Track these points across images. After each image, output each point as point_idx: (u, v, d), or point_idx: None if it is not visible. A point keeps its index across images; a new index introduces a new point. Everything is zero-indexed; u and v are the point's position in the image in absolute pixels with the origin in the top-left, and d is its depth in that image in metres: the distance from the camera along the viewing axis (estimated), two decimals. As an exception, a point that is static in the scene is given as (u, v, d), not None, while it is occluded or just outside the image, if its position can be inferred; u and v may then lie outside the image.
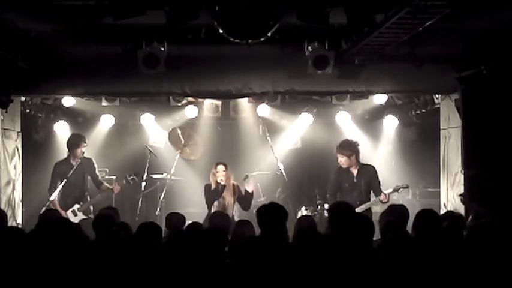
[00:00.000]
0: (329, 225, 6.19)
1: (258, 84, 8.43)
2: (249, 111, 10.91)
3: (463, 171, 8.34)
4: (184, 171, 10.88)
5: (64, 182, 8.69)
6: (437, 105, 9.26)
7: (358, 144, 8.49)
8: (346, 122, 10.84)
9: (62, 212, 8.33)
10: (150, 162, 10.06)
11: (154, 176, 10.38)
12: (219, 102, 10.79)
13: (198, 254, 4.70)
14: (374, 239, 4.92)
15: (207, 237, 4.88)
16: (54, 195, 8.67)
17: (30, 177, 9.84)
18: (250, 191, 8.23)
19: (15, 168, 9.05)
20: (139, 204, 9.68)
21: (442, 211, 8.52)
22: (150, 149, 10.33)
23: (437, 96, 9.20)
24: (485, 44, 7.30)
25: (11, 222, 8.19)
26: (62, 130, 10.56)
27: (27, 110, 9.60)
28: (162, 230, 5.45)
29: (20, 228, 6.71)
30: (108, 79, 8.33)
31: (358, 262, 4.41)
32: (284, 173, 10.03)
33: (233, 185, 8.24)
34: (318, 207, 9.28)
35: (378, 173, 8.56)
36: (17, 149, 9.10)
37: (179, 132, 10.73)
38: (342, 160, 8.37)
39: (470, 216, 6.40)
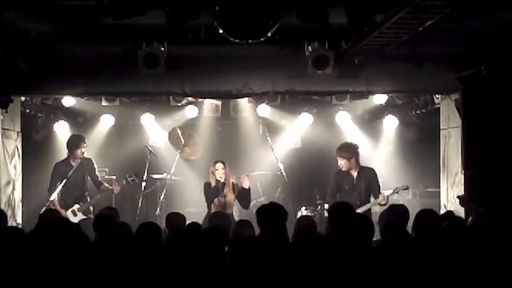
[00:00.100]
0: (329, 225, 6.19)
1: (258, 84, 8.43)
2: (249, 111, 10.92)
3: (463, 171, 8.33)
4: (184, 171, 10.89)
5: (64, 182, 8.69)
6: (437, 105, 9.26)
7: (357, 147, 8.43)
8: (346, 122, 10.84)
9: (62, 212, 8.33)
10: (150, 162, 10.07)
11: (154, 176, 10.39)
12: (219, 102, 10.80)
13: (197, 254, 4.70)
14: (374, 239, 4.92)
15: (207, 238, 4.88)
16: (54, 195, 8.67)
17: (30, 177, 9.84)
18: (246, 187, 8.20)
19: (15, 168, 9.04)
20: (139, 204, 9.69)
21: (442, 211, 8.53)
22: (150, 149, 10.33)
23: (437, 96, 9.20)
24: (485, 44, 7.30)
25: (11, 222, 8.19)
26: (62, 130, 10.57)
27: (27, 110, 9.60)
28: (162, 230, 5.45)
29: (20, 228, 6.71)
30: (108, 79, 8.32)
31: (358, 262, 4.41)
32: (284, 173, 10.04)
33: (232, 183, 8.24)
34: (318, 207, 9.27)
35: (378, 174, 8.55)
36: (17, 149, 9.10)
37: (179, 132, 10.74)
38: (342, 163, 8.33)
39: (470, 217, 6.39)
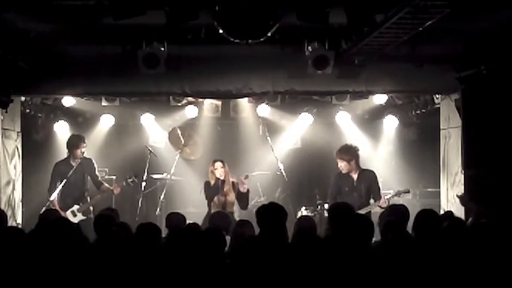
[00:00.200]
0: (329, 225, 6.19)
1: (258, 84, 8.43)
2: (249, 111, 10.91)
3: (463, 171, 8.33)
4: (184, 171, 10.89)
5: (64, 182, 8.68)
6: (437, 105, 9.26)
7: (358, 149, 8.37)
8: (346, 122, 10.84)
9: (62, 213, 8.31)
10: (150, 162, 10.07)
11: (154, 176, 10.39)
12: (219, 102, 10.79)
13: (197, 254, 4.70)
14: (374, 239, 4.92)
15: (207, 238, 4.88)
16: (54, 196, 8.66)
17: (30, 177, 9.84)
18: (243, 191, 8.18)
19: (15, 168, 9.04)
20: (139, 204, 9.69)
21: (442, 211, 8.53)
22: (150, 149, 10.33)
23: (437, 96, 9.20)
24: (485, 44, 7.30)
25: (11, 222, 8.19)
26: (62, 130, 10.57)
27: (27, 110, 9.60)
28: (162, 230, 5.45)
29: (20, 228, 6.70)
30: (108, 79, 8.32)
31: (358, 262, 4.41)
32: (284, 173, 10.04)
33: (232, 182, 8.24)
34: (318, 207, 9.25)
35: (378, 174, 8.54)
36: (17, 149, 9.10)
37: (179, 132, 10.74)
38: (342, 165, 8.28)
39: (470, 218, 6.39)
